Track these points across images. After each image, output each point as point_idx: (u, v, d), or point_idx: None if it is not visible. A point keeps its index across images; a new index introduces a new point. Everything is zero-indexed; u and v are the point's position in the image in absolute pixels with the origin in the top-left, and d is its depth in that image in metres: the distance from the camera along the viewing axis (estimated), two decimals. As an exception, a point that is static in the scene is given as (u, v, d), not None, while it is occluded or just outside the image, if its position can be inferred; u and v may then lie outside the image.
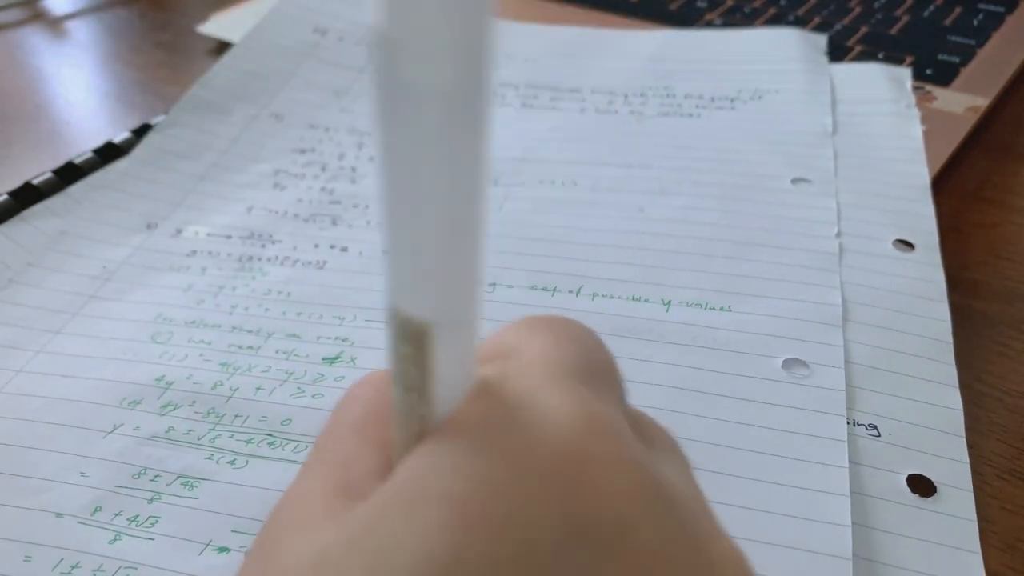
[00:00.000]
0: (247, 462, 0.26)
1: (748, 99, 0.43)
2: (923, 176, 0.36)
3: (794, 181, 0.36)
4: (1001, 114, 0.44)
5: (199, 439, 0.27)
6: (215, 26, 0.52)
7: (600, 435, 0.13)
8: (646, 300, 0.31)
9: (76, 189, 0.38)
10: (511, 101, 0.44)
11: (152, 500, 0.25)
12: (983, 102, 0.43)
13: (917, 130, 0.39)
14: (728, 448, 0.25)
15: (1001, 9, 0.52)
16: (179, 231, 0.36)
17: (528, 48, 0.48)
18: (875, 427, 0.26)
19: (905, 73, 0.43)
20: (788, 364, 0.28)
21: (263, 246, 0.35)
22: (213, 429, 0.27)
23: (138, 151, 0.39)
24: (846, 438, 0.25)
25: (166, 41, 0.53)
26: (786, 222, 0.34)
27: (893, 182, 0.36)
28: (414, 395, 0.13)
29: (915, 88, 0.43)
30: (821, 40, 0.47)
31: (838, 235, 0.33)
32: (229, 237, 0.35)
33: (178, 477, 0.25)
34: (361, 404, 0.15)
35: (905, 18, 0.52)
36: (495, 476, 0.12)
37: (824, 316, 0.29)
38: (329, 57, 0.47)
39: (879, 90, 0.42)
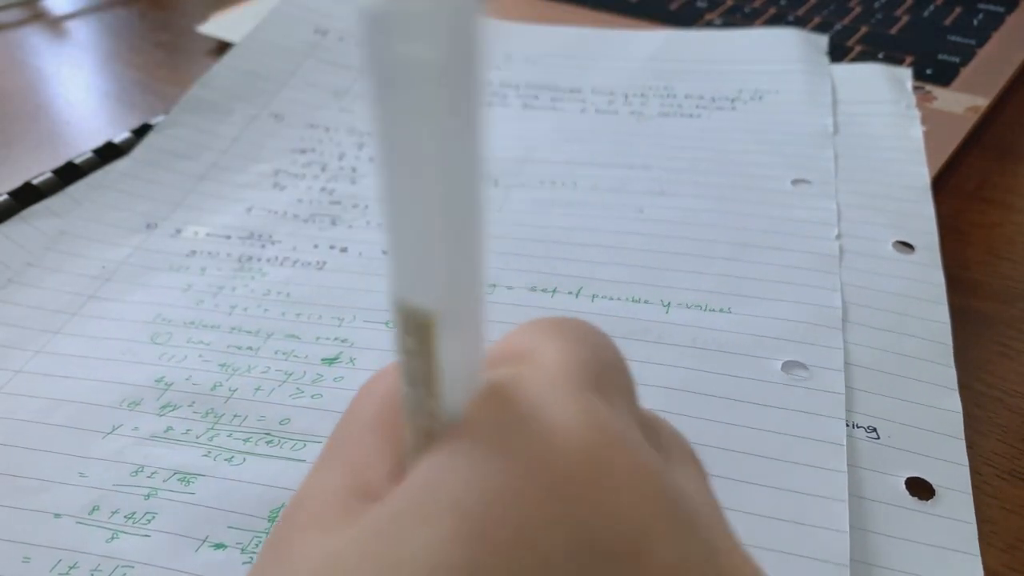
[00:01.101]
0: (244, 459, 0.26)
1: (748, 99, 0.42)
2: (923, 177, 0.36)
3: (794, 182, 0.36)
4: (1001, 114, 0.44)
5: (197, 438, 0.27)
6: (215, 26, 0.51)
7: (613, 447, 0.13)
8: (646, 301, 0.30)
9: (76, 189, 0.38)
10: (511, 102, 0.44)
11: (149, 496, 0.25)
12: (983, 102, 0.43)
13: (917, 131, 0.39)
14: (726, 451, 0.25)
15: (1001, 9, 0.52)
16: (179, 231, 0.36)
17: (528, 48, 0.48)
18: (874, 429, 0.26)
19: (905, 73, 0.43)
20: (788, 366, 0.28)
21: (263, 246, 0.35)
22: (211, 428, 0.27)
23: (138, 151, 0.39)
24: (845, 442, 0.25)
25: (166, 41, 0.53)
26: (786, 223, 0.34)
27: (893, 183, 0.36)
28: (421, 389, 0.13)
29: (915, 88, 0.43)
30: (822, 40, 0.46)
31: (838, 237, 0.33)
32: (228, 237, 0.35)
33: (175, 473, 0.26)
34: (376, 400, 0.15)
35: (905, 18, 0.52)
36: (507, 488, 0.12)
37: (824, 318, 0.29)
38: (329, 57, 0.47)
39: (879, 91, 0.42)
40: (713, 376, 0.27)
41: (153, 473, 0.26)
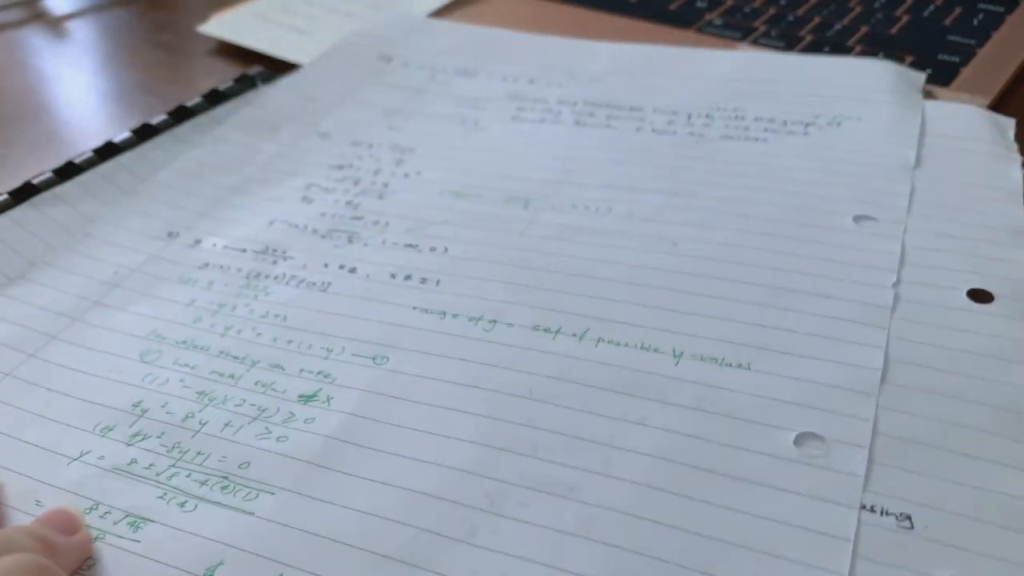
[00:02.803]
0: (196, 506, 0.24)
1: (825, 125, 0.38)
2: (1019, 219, 0.31)
3: (856, 219, 0.32)
4: (1001, 114, 0.41)
5: (157, 475, 0.25)
6: (215, 26, 0.51)
7: None
8: (655, 350, 0.27)
9: (105, 191, 0.37)
10: (564, 118, 0.41)
11: (95, 539, 0.24)
12: (983, 102, 0.41)
13: (1018, 172, 0.34)
14: (714, 541, 0.22)
15: (1001, 9, 0.51)
16: (198, 241, 0.35)
17: (593, 66, 0.45)
18: (908, 517, 0.22)
19: (1009, 123, 0.38)
20: (801, 439, 0.24)
21: (274, 262, 0.33)
22: (174, 466, 0.26)
23: (179, 163, 0.39)
24: (853, 537, 0.22)
25: (166, 41, 0.53)
26: (837, 266, 0.30)
27: (978, 223, 0.31)
28: None
29: None
30: (919, 78, 0.42)
31: (895, 284, 0.29)
32: (243, 251, 0.34)
33: (126, 516, 0.24)
34: None
35: (905, 18, 0.50)
36: None
37: (857, 382, 0.25)
38: (389, 80, 0.46)
39: (977, 129, 0.37)
40: (713, 446, 0.24)
41: (107, 513, 0.24)
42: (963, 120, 0.38)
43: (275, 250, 0.34)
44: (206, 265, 0.33)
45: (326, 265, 0.33)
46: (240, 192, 0.38)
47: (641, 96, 0.42)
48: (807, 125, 0.39)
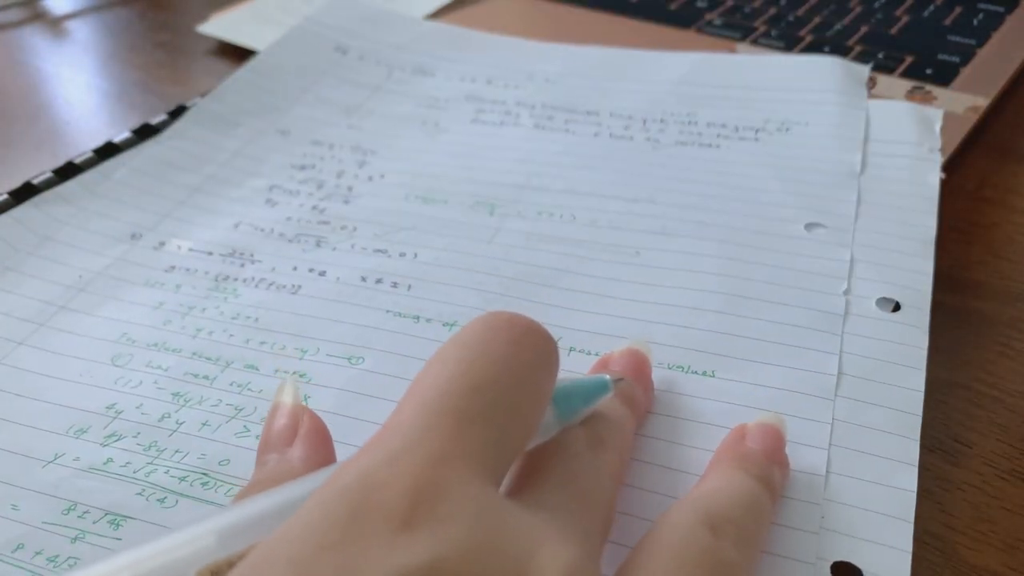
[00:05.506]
0: (177, 501, 0.25)
1: (774, 130, 0.40)
2: (930, 229, 0.33)
3: (808, 226, 0.33)
4: (1001, 114, 0.43)
5: (135, 472, 0.25)
6: (215, 26, 0.51)
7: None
8: None
9: (68, 189, 0.37)
10: (524, 121, 0.42)
11: (75, 540, 0.24)
12: (983, 102, 0.42)
13: (935, 177, 0.36)
14: None
15: (1001, 9, 0.52)
16: (162, 244, 0.35)
17: (551, 68, 0.46)
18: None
19: (936, 114, 0.40)
20: None
21: (242, 265, 0.33)
22: (151, 463, 0.26)
23: (137, 161, 0.39)
24: (819, 530, 0.23)
25: (166, 41, 0.53)
26: (791, 274, 0.31)
27: (895, 233, 0.33)
28: None
29: (915, 88, 0.42)
30: (863, 71, 0.43)
31: (846, 292, 0.30)
32: (210, 254, 0.34)
33: (106, 514, 0.24)
34: None
35: (905, 18, 0.52)
36: None
37: (815, 388, 0.26)
38: (347, 75, 0.46)
39: (906, 130, 0.39)
40: (684, 449, 0.25)
41: (85, 512, 0.24)
42: (895, 118, 0.40)
43: (242, 253, 0.34)
44: (172, 268, 0.33)
45: (295, 268, 0.33)
46: (201, 192, 0.38)
47: (597, 100, 0.43)
48: (757, 131, 0.40)
